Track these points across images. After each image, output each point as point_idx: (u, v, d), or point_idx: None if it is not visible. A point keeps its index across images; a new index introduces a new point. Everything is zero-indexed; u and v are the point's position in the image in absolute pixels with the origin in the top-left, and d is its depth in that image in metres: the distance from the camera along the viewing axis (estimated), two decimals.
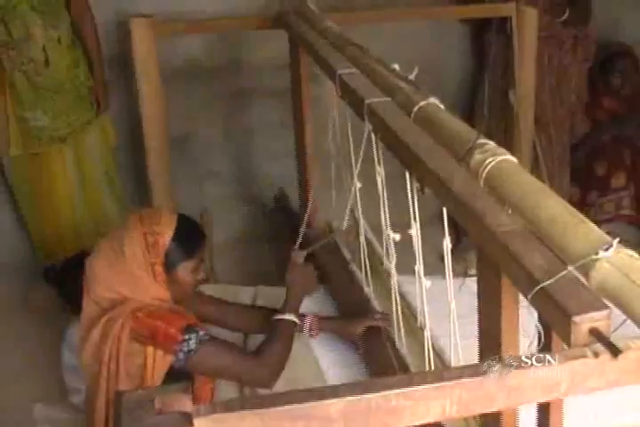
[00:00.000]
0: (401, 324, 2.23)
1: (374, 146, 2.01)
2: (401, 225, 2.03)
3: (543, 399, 1.14)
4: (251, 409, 0.94)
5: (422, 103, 1.66)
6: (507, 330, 1.38)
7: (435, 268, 2.02)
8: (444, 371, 1.02)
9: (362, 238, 2.52)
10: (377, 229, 2.34)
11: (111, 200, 3.70)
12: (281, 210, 3.67)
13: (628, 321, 1.02)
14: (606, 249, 1.05)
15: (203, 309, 2.33)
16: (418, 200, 1.86)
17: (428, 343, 2.01)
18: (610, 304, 1.05)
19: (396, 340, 2.28)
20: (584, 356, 1.02)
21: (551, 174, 3.85)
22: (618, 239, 1.06)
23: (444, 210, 1.59)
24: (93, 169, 3.62)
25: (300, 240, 2.42)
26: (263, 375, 2.07)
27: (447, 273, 1.79)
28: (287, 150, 3.39)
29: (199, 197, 4.03)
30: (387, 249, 2.27)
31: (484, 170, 1.31)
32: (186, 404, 0.93)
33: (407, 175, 1.78)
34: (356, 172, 2.30)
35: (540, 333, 1.26)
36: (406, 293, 2.40)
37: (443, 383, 0.98)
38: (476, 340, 1.48)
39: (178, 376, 2.01)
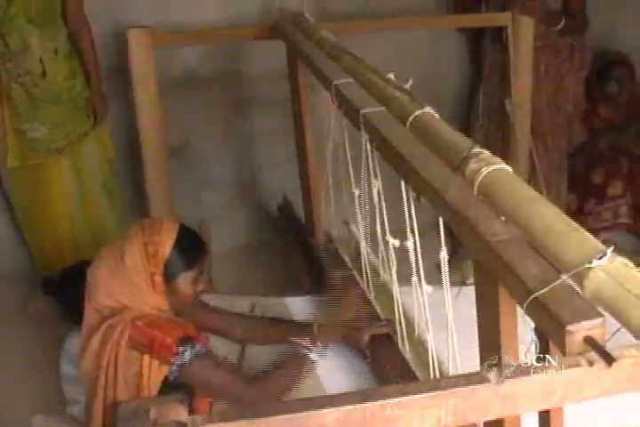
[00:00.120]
0: (404, 330, 2.23)
1: (369, 155, 2.01)
2: (400, 233, 2.03)
3: (538, 408, 1.15)
4: (247, 419, 0.95)
5: (417, 113, 1.66)
6: (505, 338, 1.38)
7: (432, 277, 2.02)
8: (438, 380, 1.02)
9: (362, 247, 2.52)
10: (375, 239, 2.34)
11: (110, 212, 3.68)
12: (285, 218, 3.66)
13: (623, 329, 1.02)
14: (600, 258, 1.05)
15: (205, 319, 2.33)
16: (416, 209, 1.86)
17: (431, 352, 2.00)
18: (604, 312, 1.06)
19: (400, 346, 2.27)
20: (578, 364, 1.02)
21: (548, 183, 3.85)
22: (612, 248, 1.07)
23: (441, 219, 1.59)
24: (92, 180, 3.61)
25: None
26: (252, 400, 2.04)
27: (444, 282, 1.79)
28: (288, 157, 3.38)
29: (198, 206, 4.03)
30: (382, 258, 2.28)
31: (477, 179, 1.32)
32: (181, 414, 0.94)
33: (403, 185, 1.78)
34: (353, 181, 2.30)
35: (535, 342, 1.26)
36: (403, 303, 2.39)
37: (438, 392, 0.99)
38: (472, 349, 1.48)
39: (177, 387, 2.01)
